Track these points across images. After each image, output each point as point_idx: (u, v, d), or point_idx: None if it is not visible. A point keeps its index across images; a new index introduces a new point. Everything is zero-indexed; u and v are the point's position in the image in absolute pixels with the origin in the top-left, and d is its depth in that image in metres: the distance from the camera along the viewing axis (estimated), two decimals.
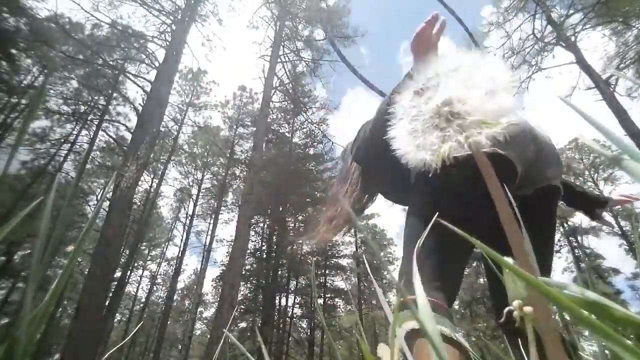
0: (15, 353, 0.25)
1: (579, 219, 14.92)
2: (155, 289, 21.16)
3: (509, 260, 0.21)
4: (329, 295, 16.26)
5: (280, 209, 15.33)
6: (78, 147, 13.92)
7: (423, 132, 0.27)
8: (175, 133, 16.42)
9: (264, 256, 15.41)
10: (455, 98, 0.27)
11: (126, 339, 0.84)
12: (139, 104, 9.96)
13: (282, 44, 13.00)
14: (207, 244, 18.24)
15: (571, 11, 9.82)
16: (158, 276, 20.94)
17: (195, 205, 18.77)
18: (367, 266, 0.60)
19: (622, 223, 14.97)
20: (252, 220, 13.81)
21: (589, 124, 0.24)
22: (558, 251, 15.20)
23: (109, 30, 11.85)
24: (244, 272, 12.49)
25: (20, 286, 12.06)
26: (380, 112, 1.04)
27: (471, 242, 0.20)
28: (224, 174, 18.20)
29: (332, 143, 15.04)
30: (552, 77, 10.69)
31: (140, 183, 10.58)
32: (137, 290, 19.79)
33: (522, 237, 0.25)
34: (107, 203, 7.50)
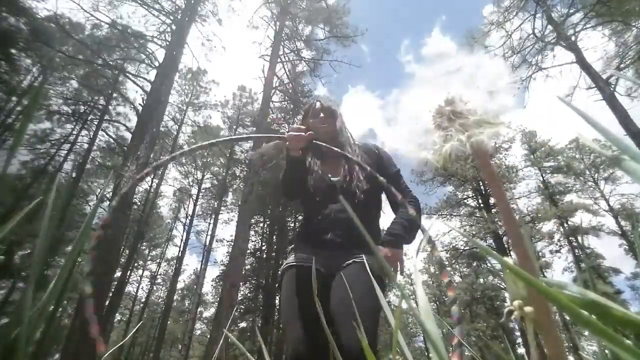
0: (15, 353, 0.25)
1: (579, 219, 14.92)
2: (155, 289, 21.17)
3: (508, 260, 0.21)
4: None
5: (280, 209, 15.33)
6: (78, 147, 13.92)
7: (425, 132, 0.27)
8: (175, 133, 16.42)
9: (264, 256, 15.41)
10: (457, 97, 0.27)
11: (126, 339, 0.85)
12: (139, 104, 9.95)
13: (282, 43, 12.99)
14: (207, 244, 18.25)
15: (571, 11, 9.82)
16: (158, 276, 20.94)
17: (195, 205, 18.78)
18: (367, 266, 0.60)
19: (622, 223, 14.96)
20: (252, 220, 13.82)
21: (589, 124, 0.24)
22: (558, 251, 15.20)
23: (108, 30, 11.83)
24: (244, 272, 12.50)
25: (20, 286, 12.06)
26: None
27: None
28: (224, 174, 18.20)
29: None
30: (552, 76, 10.69)
31: (140, 183, 10.57)
32: (137, 290, 19.80)
33: (522, 238, 0.25)
34: (107, 203, 7.51)
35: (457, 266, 17.52)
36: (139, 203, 15.63)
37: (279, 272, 1.25)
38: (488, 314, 15.67)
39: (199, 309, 20.57)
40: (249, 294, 14.72)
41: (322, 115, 1.38)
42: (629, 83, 9.05)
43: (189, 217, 18.60)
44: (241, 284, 12.68)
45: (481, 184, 15.01)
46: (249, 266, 14.80)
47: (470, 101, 0.26)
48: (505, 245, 13.32)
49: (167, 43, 10.13)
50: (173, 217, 21.04)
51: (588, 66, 9.21)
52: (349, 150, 1.34)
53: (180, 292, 22.67)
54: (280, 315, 1.16)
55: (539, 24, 10.44)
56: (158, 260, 21.14)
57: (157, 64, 9.85)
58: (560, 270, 16.02)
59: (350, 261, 1.14)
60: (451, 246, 15.55)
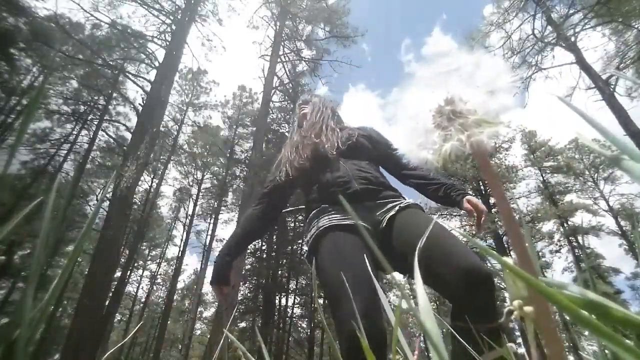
0: (15, 353, 0.25)
1: (579, 219, 14.92)
2: (155, 289, 21.17)
3: (508, 260, 0.21)
4: None
5: None
6: (78, 147, 13.93)
7: (424, 131, 0.27)
8: (175, 133, 16.42)
9: (264, 256, 15.41)
10: (457, 97, 0.27)
11: (126, 339, 0.84)
12: (139, 104, 9.95)
13: (282, 43, 13.00)
14: (207, 244, 18.24)
15: (571, 11, 9.82)
16: (158, 276, 20.94)
17: (195, 205, 18.78)
18: (368, 266, 0.60)
19: (622, 223, 14.97)
20: None
21: (588, 124, 0.24)
22: (558, 251, 15.20)
23: (108, 30, 11.84)
24: (244, 272, 12.50)
25: (20, 286, 12.06)
26: None
27: None
28: (224, 174, 18.20)
29: None
30: (552, 77, 10.68)
31: (140, 183, 10.57)
32: (137, 290, 19.79)
33: (522, 238, 0.25)
34: (107, 203, 7.50)
35: None
36: (139, 203, 15.63)
37: (310, 240, 1.08)
38: None
39: (199, 309, 20.57)
40: (249, 294, 14.71)
41: (301, 106, 1.51)
42: (628, 83, 9.05)
43: (189, 217, 18.60)
44: (241, 284, 12.68)
45: (481, 184, 15.01)
46: (249, 266, 14.80)
47: (470, 101, 0.26)
48: (505, 245, 13.32)
49: (167, 43, 10.14)
50: (173, 217, 21.04)
51: (588, 66, 9.21)
52: (327, 124, 1.36)
53: (180, 292, 22.67)
54: (326, 287, 0.95)
55: (539, 25, 10.44)
56: (158, 260, 21.15)
57: (157, 64, 9.85)
58: (560, 270, 16.03)
59: (395, 209, 1.05)
60: None
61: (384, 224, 1.03)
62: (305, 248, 1.14)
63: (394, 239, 1.00)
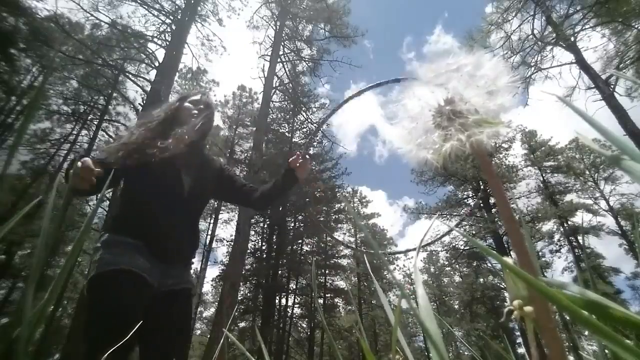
0: (15, 353, 0.25)
1: (579, 219, 14.91)
2: None
3: (508, 260, 0.21)
4: (329, 295, 16.26)
5: (280, 208, 15.33)
6: (78, 147, 13.92)
7: (425, 131, 0.27)
8: None
9: (264, 256, 15.41)
10: (457, 97, 0.27)
11: (125, 339, 0.84)
12: (139, 104, 9.96)
13: (282, 43, 12.99)
14: (207, 244, 18.23)
15: (571, 11, 9.82)
16: None
17: None
18: (368, 265, 0.60)
19: (622, 223, 14.97)
20: (252, 220, 13.82)
21: (588, 124, 0.24)
22: (558, 251, 15.21)
23: (108, 30, 11.83)
24: (244, 272, 12.49)
25: (20, 286, 12.06)
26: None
27: None
28: None
29: (332, 143, 15.04)
30: (552, 77, 10.68)
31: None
32: None
33: (522, 237, 0.25)
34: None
35: (457, 266, 17.53)
36: None
37: (105, 270, 0.99)
38: (488, 314, 15.67)
39: (199, 309, 20.57)
40: (249, 294, 14.71)
41: (201, 107, 1.29)
42: (628, 83, 9.05)
43: None
44: (241, 284, 12.68)
45: (481, 184, 15.01)
46: (249, 266, 14.80)
47: (470, 100, 0.26)
48: (505, 245, 13.33)
49: (167, 43, 10.13)
50: None
51: (587, 66, 9.21)
52: (206, 153, 1.35)
53: None
54: (103, 314, 0.93)
55: (538, 25, 10.44)
56: None
57: (157, 64, 9.83)
58: (560, 270, 16.04)
59: (181, 287, 1.13)
60: (451, 246, 15.56)
61: (165, 292, 1.09)
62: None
63: (162, 311, 1.07)
